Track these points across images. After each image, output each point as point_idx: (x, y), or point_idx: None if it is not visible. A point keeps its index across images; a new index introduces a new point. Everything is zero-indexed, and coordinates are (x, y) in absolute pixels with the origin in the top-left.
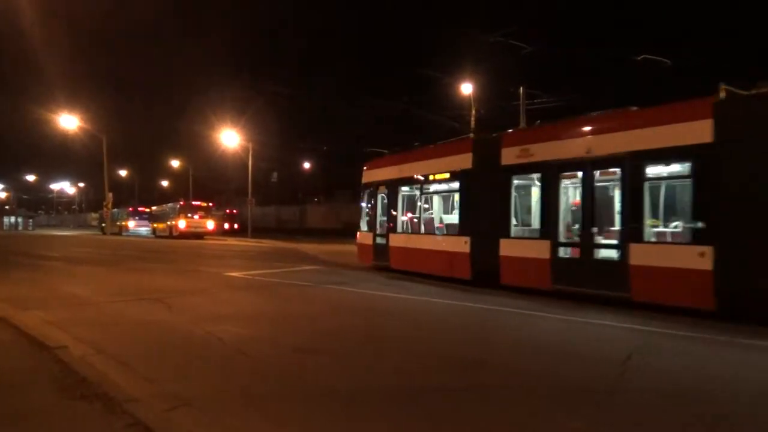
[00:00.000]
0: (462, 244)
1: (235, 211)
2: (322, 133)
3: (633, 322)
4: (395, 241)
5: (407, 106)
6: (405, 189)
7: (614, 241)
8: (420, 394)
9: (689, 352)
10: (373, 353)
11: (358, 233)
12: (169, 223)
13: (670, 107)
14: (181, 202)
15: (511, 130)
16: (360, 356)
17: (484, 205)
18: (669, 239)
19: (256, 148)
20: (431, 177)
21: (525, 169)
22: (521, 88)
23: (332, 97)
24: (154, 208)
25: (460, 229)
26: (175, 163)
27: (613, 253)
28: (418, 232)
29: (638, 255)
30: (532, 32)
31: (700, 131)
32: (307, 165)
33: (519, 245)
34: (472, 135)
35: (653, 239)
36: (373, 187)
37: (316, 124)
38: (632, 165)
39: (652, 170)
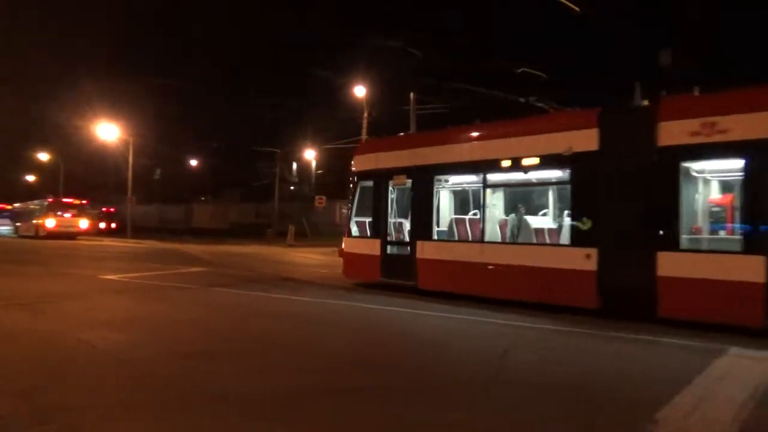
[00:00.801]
0: (581, 259)
1: (112, 209)
2: (212, 131)
3: (509, 318)
4: (429, 251)
5: (300, 106)
6: (446, 180)
7: None
8: (307, 396)
9: (567, 345)
10: (261, 357)
11: (344, 239)
12: (35, 221)
13: None
14: (50, 199)
15: (669, 97)
16: (247, 359)
17: (625, 202)
18: None
19: (138, 142)
20: (505, 163)
21: (708, 151)
22: (411, 94)
23: (221, 95)
24: (17, 205)
25: (578, 236)
26: (44, 156)
27: None
28: (480, 240)
29: None
30: (428, 39)
31: None
32: (194, 162)
33: (697, 262)
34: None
35: None
36: (380, 178)
37: (205, 121)
38: None
39: None
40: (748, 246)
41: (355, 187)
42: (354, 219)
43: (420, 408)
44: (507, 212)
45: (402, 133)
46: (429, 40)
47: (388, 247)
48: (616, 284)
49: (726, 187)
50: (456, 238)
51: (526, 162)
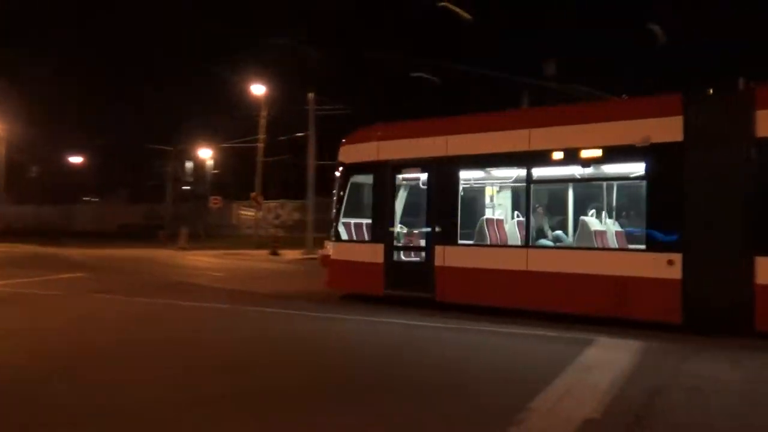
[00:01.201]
0: (660, 266)
1: None
2: (98, 129)
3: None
4: (453, 257)
5: (196, 103)
6: (477, 174)
7: None
8: (182, 405)
9: (458, 342)
10: (125, 367)
11: (331, 244)
12: None
13: None
14: None
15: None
16: (110, 371)
17: (714, 201)
18: None
19: (12, 138)
20: (557, 155)
21: None
22: (310, 94)
23: (108, 91)
24: None
25: (654, 240)
26: None
27: None
28: (525, 244)
29: None
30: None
31: None
32: (77, 161)
33: None
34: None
35: None
36: (383, 171)
37: (91, 119)
38: None
39: None
40: None
41: (344, 183)
42: (344, 220)
43: (315, 410)
44: (557, 212)
45: (410, 121)
46: (329, 39)
47: (395, 253)
48: (705, 295)
49: None
50: (488, 241)
51: (586, 154)
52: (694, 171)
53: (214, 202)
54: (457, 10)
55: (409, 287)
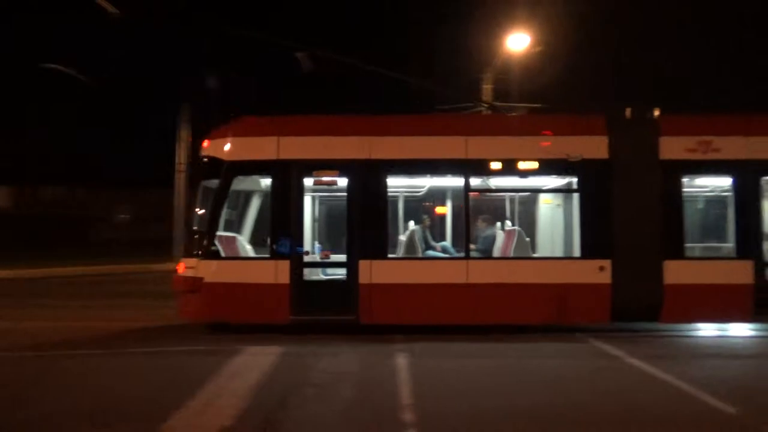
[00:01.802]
0: (593, 272)
1: None
2: None
3: None
4: (381, 273)
5: None
6: (407, 181)
7: None
8: None
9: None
10: None
11: (202, 263)
12: None
13: None
14: None
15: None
16: None
17: (633, 212)
18: None
19: None
20: (494, 165)
21: (706, 169)
22: None
23: None
24: None
25: (588, 248)
26: None
27: None
28: (465, 257)
29: None
30: None
31: None
32: None
33: (694, 269)
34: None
35: None
36: (287, 173)
37: None
38: None
39: None
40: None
41: (225, 185)
42: (222, 233)
43: None
44: (492, 221)
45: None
46: None
47: (306, 271)
48: (628, 296)
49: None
50: (419, 254)
51: (524, 165)
52: (617, 186)
53: None
54: (103, 3)
55: (325, 310)
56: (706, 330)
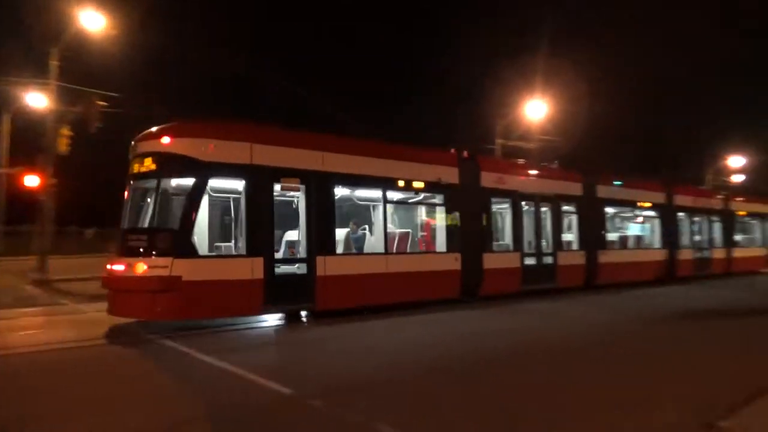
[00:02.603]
0: (452, 262)
1: None
2: None
3: None
4: (332, 266)
5: None
6: (347, 191)
7: None
8: None
9: None
10: None
11: (178, 262)
12: None
13: None
14: None
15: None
16: None
17: (471, 221)
18: None
19: None
20: (400, 183)
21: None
22: None
23: None
24: None
25: (449, 245)
26: None
27: None
28: (390, 252)
29: None
30: None
31: None
32: None
33: (498, 258)
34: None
35: None
36: (260, 178)
37: None
38: None
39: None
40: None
41: (201, 185)
42: (195, 232)
43: None
44: (400, 226)
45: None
46: None
47: (276, 267)
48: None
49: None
50: (354, 251)
51: (416, 185)
52: (464, 204)
53: None
54: None
55: (291, 301)
56: (264, 322)
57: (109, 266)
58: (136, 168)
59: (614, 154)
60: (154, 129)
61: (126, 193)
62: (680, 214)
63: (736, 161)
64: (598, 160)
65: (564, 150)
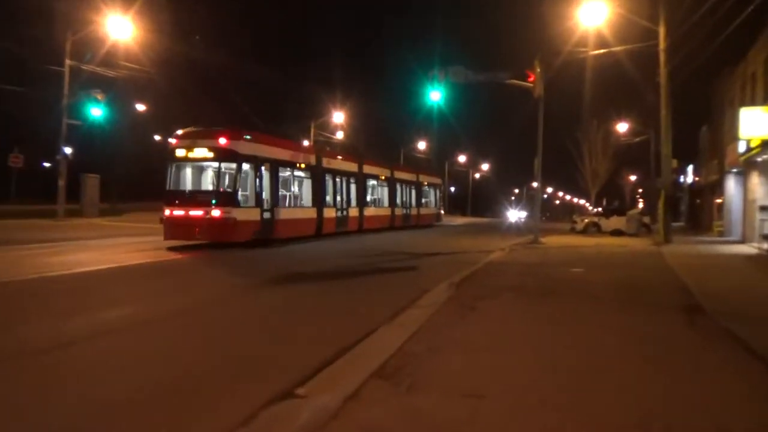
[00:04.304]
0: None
1: None
2: None
3: None
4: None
5: None
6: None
7: None
8: None
9: None
10: None
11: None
12: None
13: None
14: None
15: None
16: None
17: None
18: None
19: None
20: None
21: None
22: None
23: None
24: None
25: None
26: None
27: None
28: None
29: None
30: None
31: None
32: None
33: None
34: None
35: None
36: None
37: None
38: None
39: None
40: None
41: (239, 168)
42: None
43: None
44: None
45: None
46: None
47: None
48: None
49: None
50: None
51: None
52: (321, 176)
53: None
54: None
55: (267, 233)
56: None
57: (176, 212)
58: (193, 154)
59: (223, 102)
60: (207, 129)
61: (177, 170)
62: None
63: (337, 117)
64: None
65: (162, 87)
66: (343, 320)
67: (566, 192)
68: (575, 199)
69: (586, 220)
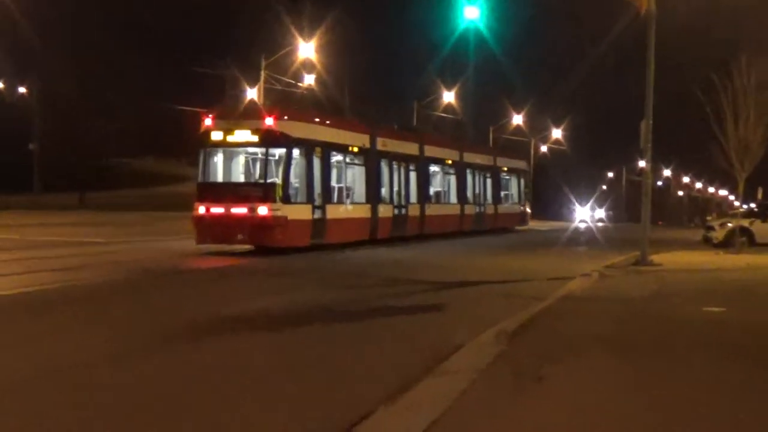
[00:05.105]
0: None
1: None
2: None
3: None
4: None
5: None
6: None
7: None
8: None
9: None
10: None
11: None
12: None
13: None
14: None
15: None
16: None
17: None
18: None
19: None
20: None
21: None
22: None
23: None
24: None
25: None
26: None
27: None
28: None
29: None
30: None
31: None
32: None
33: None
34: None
35: None
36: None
37: None
38: None
39: None
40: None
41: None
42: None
43: None
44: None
45: None
46: None
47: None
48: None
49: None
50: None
51: (352, 148)
52: (376, 163)
53: None
54: None
55: (314, 236)
56: None
57: (213, 209)
58: (233, 138)
59: None
60: (250, 107)
61: (211, 157)
62: None
63: (305, 50)
64: None
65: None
66: None
67: (695, 178)
68: (710, 189)
69: (730, 225)
